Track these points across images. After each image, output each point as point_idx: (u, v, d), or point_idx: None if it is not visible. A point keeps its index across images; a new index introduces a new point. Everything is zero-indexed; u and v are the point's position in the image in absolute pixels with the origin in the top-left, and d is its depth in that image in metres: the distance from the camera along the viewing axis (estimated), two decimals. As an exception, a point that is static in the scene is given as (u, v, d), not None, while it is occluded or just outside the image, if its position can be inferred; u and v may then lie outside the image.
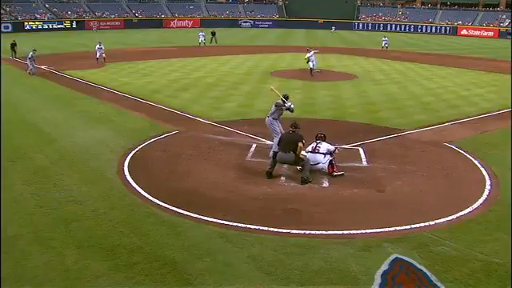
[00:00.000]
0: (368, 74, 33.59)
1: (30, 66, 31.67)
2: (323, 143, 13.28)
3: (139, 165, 13.55)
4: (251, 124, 18.09)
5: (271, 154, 13.28)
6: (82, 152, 14.74)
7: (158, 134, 16.64)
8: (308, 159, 12.68)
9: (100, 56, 37.23)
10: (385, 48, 52.84)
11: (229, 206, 10.88)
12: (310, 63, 32.08)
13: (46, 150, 14.85)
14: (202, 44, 54.59)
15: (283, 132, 13.66)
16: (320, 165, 12.95)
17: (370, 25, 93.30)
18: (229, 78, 30.35)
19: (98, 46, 37.54)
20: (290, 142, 12.51)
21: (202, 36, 55.38)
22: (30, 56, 32.01)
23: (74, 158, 14.18)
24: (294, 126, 12.87)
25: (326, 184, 12.37)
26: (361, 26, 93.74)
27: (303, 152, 12.76)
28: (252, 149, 15.10)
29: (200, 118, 19.33)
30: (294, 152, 12.48)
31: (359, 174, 13.06)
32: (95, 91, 25.69)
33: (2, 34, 55.72)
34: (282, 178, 12.65)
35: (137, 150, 14.85)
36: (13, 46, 40.87)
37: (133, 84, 27.83)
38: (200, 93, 25.19)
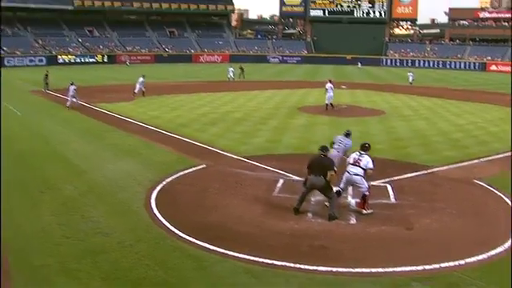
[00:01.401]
0: (396, 109, 33.43)
1: (71, 99, 31.79)
2: (365, 156, 13.03)
3: (166, 198, 13.60)
4: (279, 159, 18.07)
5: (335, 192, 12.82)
6: (111, 184, 14.88)
7: (186, 168, 16.71)
8: (335, 195, 12.57)
9: (139, 90, 37.65)
10: (410, 84, 52.98)
11: (255, 241, 10.81)
12: (327, 99, 32.09)
13: (76, 182, 15.04)
14: (231, 79, 55.15)
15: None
16: (358, 177, 12.76)
17: (397, 61, 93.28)
18: (257, 113, 30.48)
19: (141, 78, 38.02)
20: (321, 166, 12.37)
21: (231, 71, 55.96)
22: (71, 92, 32.05)
23: (103, 190, 14.32)
24: (324, 149, 12.79)
25: (353, 221, 12.24)
26: (389, 61, 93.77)
27: (334, 188, 12.67)
28: (279, 184, 15.05)
29: (227, 152, 19.39)
30: (324, 177, 12.32)
31: (387, 211, 12.89)
32: (124, 124, 26.04)
33: (35, 67, 57.22)
34: (309, 215, 12.55)
35: (164, 183, 14.93)
36: (45, 77, 41.85)
37: (161, 117, 28.15)
38: (228, 127, 25.33)
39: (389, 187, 14.84)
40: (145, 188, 14.39)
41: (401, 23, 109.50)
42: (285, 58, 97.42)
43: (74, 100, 32.02)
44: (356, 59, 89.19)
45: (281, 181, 15.32)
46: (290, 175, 15.83)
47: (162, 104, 34.17)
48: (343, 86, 48.68)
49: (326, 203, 12.79)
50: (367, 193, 12.83)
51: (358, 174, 12.82)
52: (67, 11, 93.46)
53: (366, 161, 12.93)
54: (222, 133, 23.76)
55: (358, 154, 13.14)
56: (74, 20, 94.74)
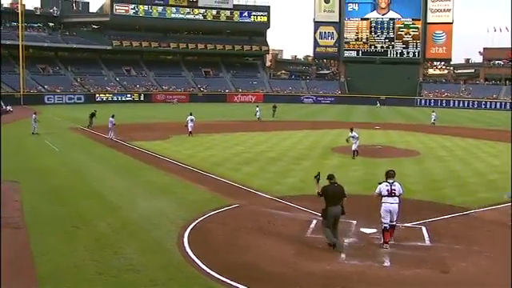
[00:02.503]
0: (430, 150, 33.04)
1: (111, 133, 34.03)
2: (396, 183, 13.28)
3: (199, 237, 13.62)
4: (312, 200, 17.86)
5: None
6: (144, 221, 14.99)
7: (219, 207, 16.75)
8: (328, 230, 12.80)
9: (192, 127, 38.02)
10: (432, 124, 52.65)
11: (287, 282, 10.70)
12: (354, 145, 29.12)
13: (109, 218, 15.20)
14: (259, 118, 55.12)
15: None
16: (396, 206, 13.15)
17: (432, 101, 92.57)
18: (290, 153, 30.51)
19: (189, 117, 38.54)
20: (338, 195, 12.83)
21: (258, 111, 55.99)
22: (110, 125, 34.35)
23: (136, 227, 14.44)
24: (332, 177, 13.19)
25: (387, 263, 12.03)
26: (423, 102, 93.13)
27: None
28: (312, 225, 14.93)
29: (261, 192, 19.37)
30: (341, 205, 12.88)
31: (422, 254, 12.64)
32: (159, 162, 26.36)
33: (73, 105, 58.69)
34: (342, 256, 12.40)
35: (197, 221, 14.97)
36: (92, 115, 42.86)
37: (196, 156, 28.41)
38: (261, 167, 25.38)
39: (424, 229, 14.57)
40: (178, 226, 14.45)
41: (435, 63, 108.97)
42: (318, 99, 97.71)
43: (111, 133, 33.66)
44: (390, 100, 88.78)
45: (314, 221, 15.20)
46: (323, 216, 15.68)
47: (196, 143, 34.50)
48: (377, 127, 48.45)
49: (331, 242, 12.75)
50: (395, 223, 13.31)
51: (396, 203, 13.18)
52: (106, 51, 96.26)
53: (399, 187, 13.28)
54: (256, 172, 23.80)
55: (387, 184, 13.27)
56: (112, 60, 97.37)
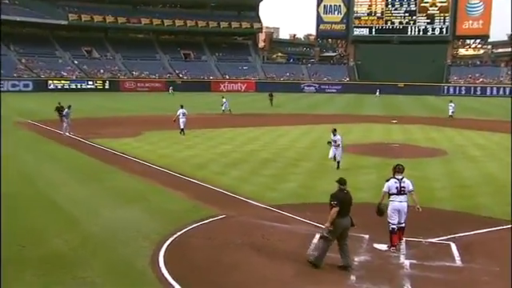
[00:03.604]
0: (460, 148, 33.08)
1: (65, 125, 34.02)
2: (405, 180, 13.99)
3: (178, 255, 13.49)
4: (314, 209, 17.86)
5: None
6: (109, 237, 14.83)
7: (202, 219, 16.62)
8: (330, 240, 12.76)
9: (184, 124, 37.40)
10: (450, 117, 53.21)
11: (285, 311, 10.60)
12: (331, 152, 26.06)
13: (66, 234, 15.00)
14: (227, 111, 55.27)
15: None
16: (405, 205, 13.89)
17: (463, 88, 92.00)
18: (287, 153, 30.50)
19: (180, 110, 37.83)
20: (348, 204, 12.89)
21: (225, 103, 56.22)
22: (64, 113, 34.26)
23: (99, 244, 14.27)
24: (343, 183, 13.06)
25: (407, 287, 11.94)
26: (451, 89, 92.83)
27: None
28: (315, 240, 14.84)
29: (252, 200, 19.27)
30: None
31: (452, 276, 12.56)
32: (128, 164, 26.24)
33: (18, 93, 58.10)
34: (352, 278, 12.32)
35: (175, 236, 14.83)
36: (59, 110, 42.04)
37: (173, 157, 28.34)
38: (253, 170, 25.33)
39: (453, 246, 14.49)
40: (152, 242, 14.31)
41: (467, 41, 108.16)
42: (322, 87, 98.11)
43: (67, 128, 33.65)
44: (410, 88, 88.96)
45: (317, 235, 15.11)
46: (329, 229, 15.61)
47: (173, 141, 34.41)
48: (393, 121, 48.53)
49: (318, 262, 12.74)
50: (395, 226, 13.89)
51: (406, 202, 13.93)
52: (60, 27, 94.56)
53: (409, 184, 13.95)
54: (246, 176, 23.73)
55: (396, 180, 13.92)
56: (68, 38, 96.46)
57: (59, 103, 43.08)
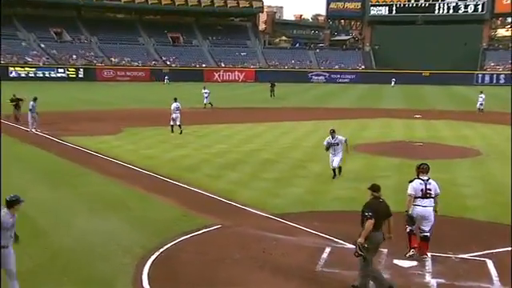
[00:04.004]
0: (496, 148, 33.00)
1: (31, 121, 34.09)
2: (432, 181, 14.02)
3: (165, 272, 13.47)
4: (324, 219, 17.88)
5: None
6: (84, 251, 14.79)
7: (193, 229, 16.60)
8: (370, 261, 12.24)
9: (177, 119, 37.10)
10: (480, 111, 53.50)
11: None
12: (334, 160, 24.34)
13: (31, 247, 14.90)
14: (205, 105, 55.21)
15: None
16: (431, 210, 13.96)
17: (501, 77, 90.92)
18: (292, 153, 30.57)
19: (174, 104, 37.49)
20: (383, 215, 12.40)
21: (206, 94, 56.24)
22: (30, 107, 34.28)
23: (72, 260, 14.22)
24: (377, 189, 12.75)
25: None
26: (487, 78, 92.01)
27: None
28: (325, 254, 14.83)
29: (252, 207, 19.28)
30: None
31: (487, 299, 12.56)
32: (106, 166, 26.28)
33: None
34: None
35: (162, 250, 14.82)
36: (15, 102, 41.63)
37: (160, 158, 28.38)
38: (253, 172, 25.37)
39: (489, 263, 14.41)
40: (134, 257, 14.27)
41: (508, 19, 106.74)
42: (333, 76, 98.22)
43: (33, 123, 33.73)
44: (437, 77, 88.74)
45: (327, 249, 15.10)
46: (341, 242, 15.59)
47: (160, 139, 34.45)
48: (417, 116, 48.51)
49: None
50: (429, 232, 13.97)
51: (431, 207, 13.98)
52: (23, 3, 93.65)
53: (435, 186, 14.00)
54: (245, 180, 23.76)
55: (421, 181, 13.96)
56: (33, 17, 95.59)
57: (14, 95, 42.73)
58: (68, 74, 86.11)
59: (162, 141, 33.76)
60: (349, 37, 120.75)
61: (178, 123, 36.93)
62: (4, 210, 11.03)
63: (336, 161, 24.23)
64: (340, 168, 24.55)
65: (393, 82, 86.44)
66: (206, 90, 56.76)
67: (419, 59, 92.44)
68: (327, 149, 24.40)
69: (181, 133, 36.43)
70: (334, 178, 24.17)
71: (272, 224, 17.54)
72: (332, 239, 15.90)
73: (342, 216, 18.30)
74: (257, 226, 17.29)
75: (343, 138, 24.52)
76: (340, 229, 16.02)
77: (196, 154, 29.77)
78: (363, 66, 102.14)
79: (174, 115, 37.10)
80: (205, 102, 56.14)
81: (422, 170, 14.08)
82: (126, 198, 20.49)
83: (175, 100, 37.83)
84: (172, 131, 36.78)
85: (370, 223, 11.92)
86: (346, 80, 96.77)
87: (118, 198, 20.31)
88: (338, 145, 24.19)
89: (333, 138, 24.23)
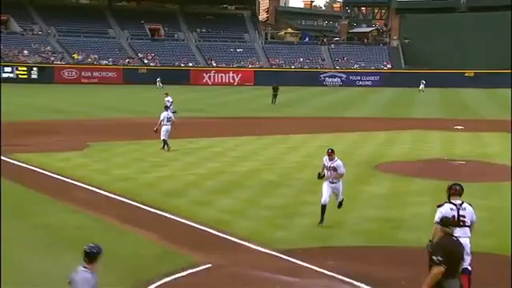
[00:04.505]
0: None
1: None
2: (467, 206, 13.75)
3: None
4: (339, 256, 17.95)
5: None
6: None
7: (178, 270, 16.66)
8: None
9: (166, 134, 36.67)
10: None
11: None
12: (325, 191, 22.08)
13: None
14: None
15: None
16: (468, 242, 13.40)
17: None
18: (300, 174, 30.59)
19: (164, 113, 37.02)
20: (457, 257, 11.40)
21: (168, 102, 52.81)
22: None
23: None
24: (448, 223, 11.77)
25: None
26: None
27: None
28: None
29: (250, 242, 19.30)
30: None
31: None
32: (67, 191, 26.27)
33: None
34: None
35: (138, 297, 14.89)
36: None
37: (136, 180, 28.40)
38: (251, 198, 25.40)
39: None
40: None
41: None
42: (351, 78, 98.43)
43: None
44: (483, 77, 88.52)
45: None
46: (362, 285, 15.66)
47: (134, 156, 34.58)
48: (458, 127, 48.53)
49: None
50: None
51: (467, 237, 13.57)
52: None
53: (471, 213, 13.73)
54: (242, 208, 23.78)
55: (452, 206, 13.62)
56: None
57: None
58: (17, 75, 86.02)
59: (137, 158, 33.80)
60: (371, 28, 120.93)
61: (163, 137, 36.56)
62: (82, 269, 10.16)
63: (339, 193, 22.16)
64: (341, 202, 22.55)
65: (422, 85, 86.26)
66: (168, 98, 53.97)
67: (461, 56, 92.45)
68: (321, 177, 22.45)
69: (168, 149, 36.36)
70: (321, 222, 21.43)
71: (275, 263, 17.57)
72: (351, 282, 15.95)
73: (363, 253, 18.39)
74: (256, 265, 17.34)
75: (343, 167, 22.09)
76: (360, 269, 16.10)
77: (180, 174, 29.82)
78: (389, 65, 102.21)
79: (164, 128, 36.66)
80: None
81: (453, 191, 13.80)
82: (92, 230, 20.40)
83: (166, 108, 37.77)
84: (164, 147, 36.57)
85: (437, 271, 10.89)
86: (367, 83, 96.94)
87: (82, 232, 20.22)
88: (335, 170, 21.96)
89: (330, 159, 22.03)
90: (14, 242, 19.23)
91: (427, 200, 25.07)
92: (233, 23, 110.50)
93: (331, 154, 22.21)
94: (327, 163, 22.16)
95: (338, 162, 21.99)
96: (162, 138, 36.53)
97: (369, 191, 26.41)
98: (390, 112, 62.26)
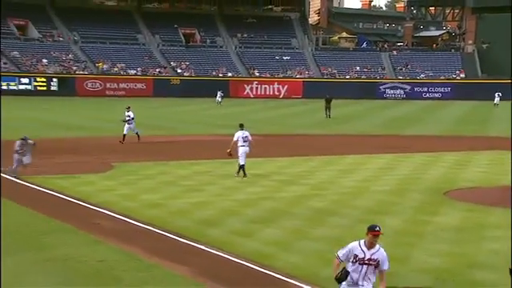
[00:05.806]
0: None
1: (16, 164, 33.71)
2: None
3: None
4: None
5: None
6: None
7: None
8: None
9: (241, 157, 35.76)
10: None
11: None
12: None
13: None
14: (134, 134, 50.94)
15: None
16: None
17: None
18: (358, 201, 30.55)
19: (239, 132, 35.99)
20: None
21: (127, 117, 51.27)
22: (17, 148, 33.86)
23: None
24: None
25: None
26: None
27: None
28: None
29: (297, 279, 19.25)
30: None
31: None
32: (90, 218, 26.40)
33: None
34: None
35: None
36: None
37: (167, 206, 28.52)
38: (298, 229, 25.33)
39: None
40: None
41: None
42: (417, 89, 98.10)
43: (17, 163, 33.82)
44: None
45: None
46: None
47: (165, 179, 34.70)
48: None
49: None
50: None
51: None
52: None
53: None
54: (287, 239, 23.75)
55: None
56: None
57: None
58: (35, 86, 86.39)
59: (168, 182, 33.91)
60: (442, 32, 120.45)
61: (241, 162, 35.61)
62: None
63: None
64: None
65: (497, 98, 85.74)
66: (129, 113, 52.03)
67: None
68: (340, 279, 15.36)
69: (244, 176, 35.53)
70: None
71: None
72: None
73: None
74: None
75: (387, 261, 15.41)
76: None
77: (217, 200, 29.90)
78: (463, 75, 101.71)
79: (241, 149, 35.71)
80: (125, 131, 50.75)
81: None
82: (116, 265, 20.50)
83: (241, 127, 36.79)
84: (239, 173, 35.76)
85: None
86: (436, 95, 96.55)
87: (104, 266, 20.32)
88: (375, 266, 15.29)
89: (370, 246, 15.26)
90: (28, 276, 19.35)
91: (507, 235, 24.81)
92: (279, 27, 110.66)
93: (378, 234, 15.18)
94: (361, 252, 15.26)
95: (382, 253, 15.33)
96: (241, 162, 35.63)
97: (438, 222, 26.27)
98: (462, 129, 61.90)
